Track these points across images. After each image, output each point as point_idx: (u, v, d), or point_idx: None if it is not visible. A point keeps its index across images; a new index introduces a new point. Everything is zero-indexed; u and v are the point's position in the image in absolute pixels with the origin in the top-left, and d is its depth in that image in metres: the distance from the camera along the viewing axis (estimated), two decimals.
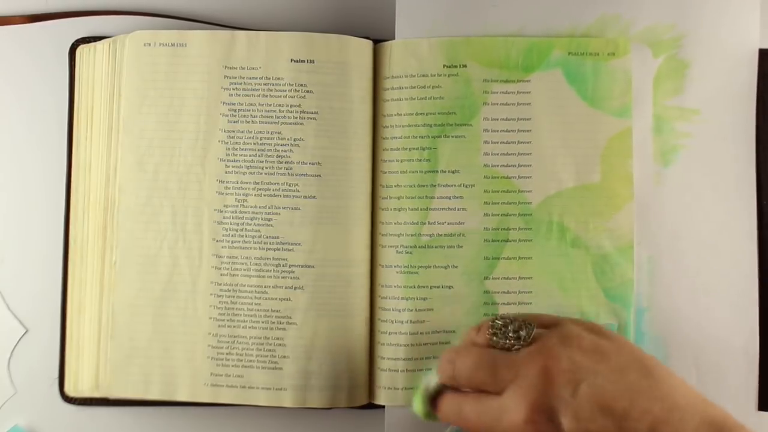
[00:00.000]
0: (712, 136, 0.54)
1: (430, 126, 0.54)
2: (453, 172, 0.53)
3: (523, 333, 0.41)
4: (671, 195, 0.53)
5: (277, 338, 0.52)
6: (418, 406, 0.44)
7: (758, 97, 0.54)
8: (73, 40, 0.56)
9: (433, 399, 0.44)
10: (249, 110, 0.53)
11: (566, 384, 0.37)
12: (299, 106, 0.53)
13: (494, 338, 0.42)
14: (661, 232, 0.53)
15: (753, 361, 0.52)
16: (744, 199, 0.53)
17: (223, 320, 0.52)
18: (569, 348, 0.39)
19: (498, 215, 0.53)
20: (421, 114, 0.54)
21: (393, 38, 0.55)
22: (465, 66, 0.54)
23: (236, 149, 0.53)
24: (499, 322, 0.42)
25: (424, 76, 0.54)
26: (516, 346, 0.41)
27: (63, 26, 0.57)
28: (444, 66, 0.54)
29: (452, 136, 0.54)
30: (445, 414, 0.43)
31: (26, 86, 0.57)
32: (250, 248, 0.53)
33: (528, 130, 0.53)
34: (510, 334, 0.41)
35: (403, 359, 0.52)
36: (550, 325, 0.42)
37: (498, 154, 0.53)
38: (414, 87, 0.54)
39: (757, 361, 0.52)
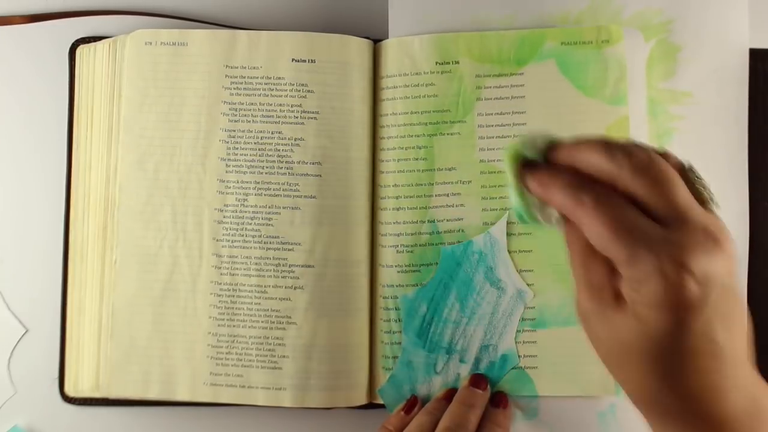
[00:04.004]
0: (704, 119, 0.54)
1: (425, 124, 0.54)
2: (449, 170, 0.54)
3: (713, 199, 0.37)
4: None
5: (277, 338, 0.52)
6: (511, 156, 0.38)
7: (752, 95, 0.54)
8: (73, 40, 0.56)
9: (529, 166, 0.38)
10: (250, 110, 0.53)
11: (730, 269, 0.34)
12: (300, 105, 0.53)
13: (692, 178, 0.37)
14: None
15: None
16: (735, 180, 0.54)
17: (223, 319, 0.52)
18: (731, 257, 0.35)
19: (497, 210, 0.53)
20: (416, 113, 0.54)
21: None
22: (457, 62, 0.54)
23: (237, 148, 0.53)
24: (699, 173, 0.37)
25: (417, 74, 0.54)
26: (707, 203, 0.36)
27: (63, 26, 0.57)
28: (436, 63, 0.54)
29: (447, 134, 0.54)
30: (565, 201, 0.36)
31: (26, 86, 0.57)
32: (251, 248, 0.53)
33: (523, 124, 0.53)
34: (705, 190, 0.37)
35: None
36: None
37: (494, 149, 0.54)
38: (408, 86, 0.54)
39: None
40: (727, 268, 0.34)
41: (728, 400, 0.35)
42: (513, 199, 0.39)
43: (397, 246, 0.53)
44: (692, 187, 0.36)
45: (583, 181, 0.36)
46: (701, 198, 0.36)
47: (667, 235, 0.33)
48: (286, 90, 0.53)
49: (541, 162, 0.38)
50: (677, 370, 0.35)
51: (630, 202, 0.35)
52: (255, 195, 0.53)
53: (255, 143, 0.53)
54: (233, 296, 0.52)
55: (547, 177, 0.37)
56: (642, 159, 0.35)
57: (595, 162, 0.36)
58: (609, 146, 0.36)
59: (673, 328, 0.34)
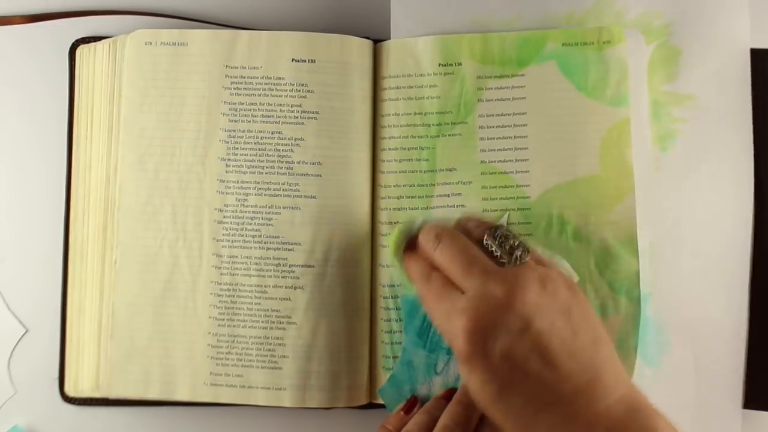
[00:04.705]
0: (707, 121, 0.54)
1: (428, 126, 0.54)
2: (450, 170, 0.54)
3: (517, 253, 0.42)
4: (670, 180, 0.54)
5: (277, 338, 0.52)
6: (392, 243, 0.47)
7: (754, 95, 0.54)
8: (73, 40, 0.56)
9: (407, 246, 0.47)
10: (250, 110, 0.53)
11: (521, 316, 0.38)
12: (300, 105, 0.53)
13: (490, 241, 0.42)
14: (662, 217, 0.53)
15: (742, 348, 0.53)
16: (740, 182, 0.54)
17: (223, 320, 0.52)
18: (544, 290, 0.40)
19: (497, 211, 0.53)
20: (418, 114, 0.54)
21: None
22: (460, 63, 0.54)
23: (237, 149, 0.53)
24: (503, 231, 0.42)
25: (420, 75, 0.54)
26: (503, 260, 0.42)
27: (63, 26, 0.57)
28: (439, 65, 0.54)
29: (449, 135, 0.54)
30: (413, 273, 0.45)
31: (26, 86, 0.57)
32: (251, 248, 0.53)
33: (524, 125, 0.53)
34: (506, 247, 0.42)
35: None
36: (540, 262, 0.43)
37: (495, 150, 0.54)
38: (410, 87, 0.54)
39: (744, 348, 0.53)
40: (525, 314, 0.38)
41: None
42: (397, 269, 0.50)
43: None
44: (498, 245, 0.42)
45: (424, 265, 0.44)
46: (506, 254, 0.42)
47: (459, 304, 0.40)
48: (286, 90, 0.53)
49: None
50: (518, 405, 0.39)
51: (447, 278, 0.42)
52: (255, 195, 0.53)
53: (255, 143, 0.53)
54: (233, 296, 0.52)
55: (408, 261, 0.46)
56: (437, 237, 0.44)
57: (423, 245, 0.45)
58: (427, 230, 0.45)
59: (482, 378, 0.39)
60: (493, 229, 0.43)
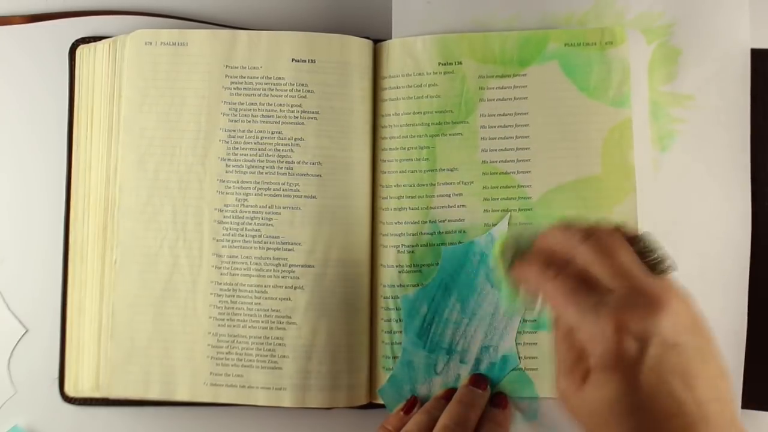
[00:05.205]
0: (706, 121, 0.54)
1: (428, 125, 0.54)
2: (451, 170, 0.53)
3: (665, 265, 0.39)
4: (669, 180, 0.54)
5: (277, 338, 0.52)
6: (498, 253, 0.44)
7: (753, 95, 0.54)
8: (73, 40, 0.56)
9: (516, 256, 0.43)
10: (250, 110, 0.53)
11: (674, 329, 0.36)
12: (300, 105, 0.53)
13: (643, 246, 0.40)
14: (661, 218, 0.53)
15: (741, 348, 0.53)
16: (738, 182, 0.54)
17: (223, 320, 0.52)
18: (689, 310, 0.37)
19: (498, 211, 0.53)
20: (418, 113, 0.54)
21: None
22: (460, 63, 0.54)
23: (237, 149, 0.53)
24: (652, 241, 0.40)
25: (420, 75, 0.54)
26: (653, 268, 0.39)
27: (63, 26, 0.57)
28: (439, 64, 0.54)
29: (449, 134, 0.54)
30: (531, 275, 0.41)
31: (26, 86, 0.57)
32: (251, 248, 0.53)
33: (525, 125, 0.53)
34: (653, 258, 0.39)
35: None
36: None
37: (496, 150, 0.53)
38: (411, 86, 0.54)
39: (743, 347, 0.53)
40: (675, 327, 0.36)
41: None
42: (503, 289, 0.45)
43: (398, 246, 0.53)
44: (642, 254, 0.39)
45: (549, 263, 0.40)
46: (651, 264, 0.39)
47: (608, 300, 0.37)
48: (286, 90, 0.53)
49: (526, 253, 0.43)
50: None
51: (585, 275, 0.39)
52: (255, 195, 0.53)
53: (255, 143, 0.53)
54: (233, 296, 0.52)
55: (524, 265, 0.42)
56: (588, 233, 0.39)
57: (557, 242, 0.41)
58: (566, 227, 0.41)
59: (624, 387, 0.35)
60: (639, 238, 0.40)
